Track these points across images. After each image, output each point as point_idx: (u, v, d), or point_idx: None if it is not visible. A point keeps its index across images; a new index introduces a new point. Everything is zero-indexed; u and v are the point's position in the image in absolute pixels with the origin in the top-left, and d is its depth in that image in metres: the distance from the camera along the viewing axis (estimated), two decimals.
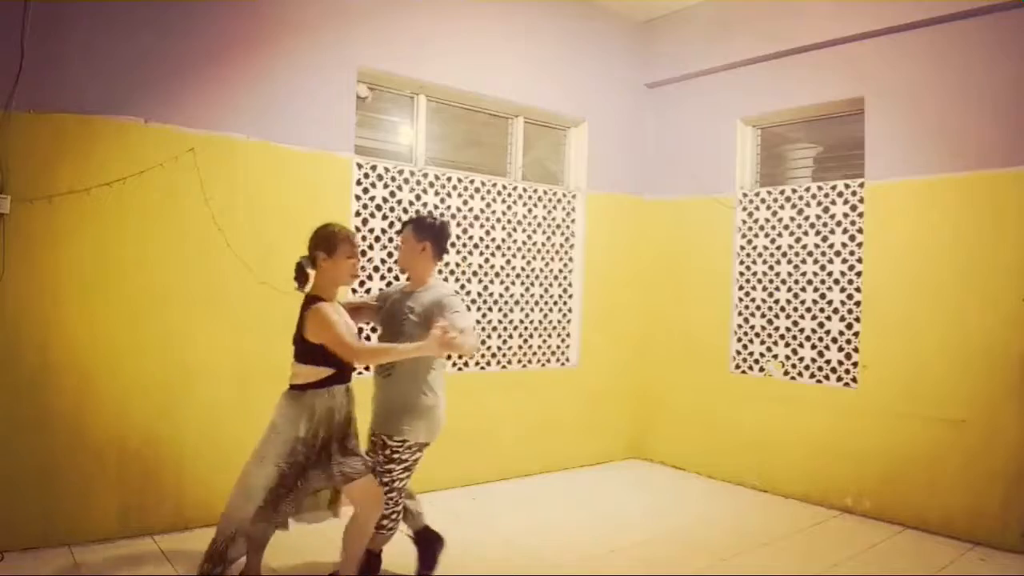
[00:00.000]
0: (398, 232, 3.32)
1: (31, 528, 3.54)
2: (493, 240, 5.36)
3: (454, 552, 3.86)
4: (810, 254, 5.15)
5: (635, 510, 4.77)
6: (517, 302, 5.50)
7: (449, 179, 5.11)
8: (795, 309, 5.22)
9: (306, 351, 2.96)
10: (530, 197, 5.58)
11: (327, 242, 3.02)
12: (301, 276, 3.04)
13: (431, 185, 5.02)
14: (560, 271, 5.79)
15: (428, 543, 3.48)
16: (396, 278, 4.86)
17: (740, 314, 5.56)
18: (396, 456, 3.15)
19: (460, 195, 5.17)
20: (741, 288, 5.57)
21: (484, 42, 5.21)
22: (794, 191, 5.27)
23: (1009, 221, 4.15)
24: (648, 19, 6.12)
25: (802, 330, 5.16)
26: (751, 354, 5.48)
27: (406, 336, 3.12)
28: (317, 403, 2.96)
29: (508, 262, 5.45)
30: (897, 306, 4.58)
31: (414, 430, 3.15)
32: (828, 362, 5.01)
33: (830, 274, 5.02)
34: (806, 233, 5.18)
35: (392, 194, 4.84)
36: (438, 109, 5.18)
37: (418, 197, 4.96)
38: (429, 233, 3.28)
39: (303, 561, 3.68)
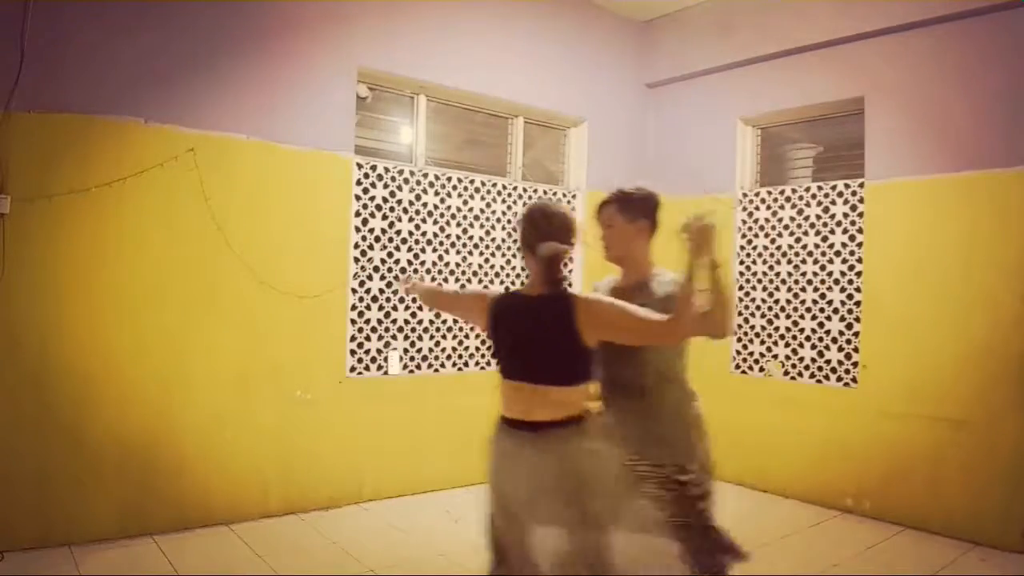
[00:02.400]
0: (599, 213, 2.66)
1: (31, 528, 3.54)
2: (493, 240, 5.36)
3: (454, 552, 3.86)
4: (810, 254, 5.15)
5: None
6: None
7: (449, 179, 5.11)
8: (795, 309, 5.22)
9: (585, 366, 2.25)
10: (530, 197, 5.57)
11: (575, 232, 2.39)
12: (558, 268, 2.26)
13: (431, 185, 5.02)
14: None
15: None
16: (395, 278, 4.86)
17: (740, 314, 5.56)
18: (707, 489, 2.53)
19: (460, 195, 5.17)
20: (741, 288, 5.56)
21: (484, 42, 5.21)
22: (794, 191, 5.26)
23: (1009, 221, 4.14)
24: (648, 19, 6.12)
25: (802, 330, 5.16)
26: (751, 354, 5.48)
27: (650, 349, 2.43)
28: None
29: (508, 262, 5.44)
30: (897, 306, 4.58)
31: (703, 448, 2.52)
32: (828, 362, 5.01)
33: (830, 274, 5.02)
34: (806, 233, 5.17)
35: (392, 194, 4.84)
36: (438, 109, 5.18)
37: (418, 197, 4.96)
38: (641, 209, 2.61)
39: (305, 559, 3.68)
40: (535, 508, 2.12)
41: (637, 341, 2.25)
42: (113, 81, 3.76)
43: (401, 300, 4.90)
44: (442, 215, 5.07)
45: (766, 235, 5.42)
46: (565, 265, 2.24)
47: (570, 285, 2.38)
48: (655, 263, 2.65)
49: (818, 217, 5.10)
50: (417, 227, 4.96)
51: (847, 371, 4.89)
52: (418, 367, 4.97)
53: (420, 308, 4.97)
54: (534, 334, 2.20)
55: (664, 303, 2.42)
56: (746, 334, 5.51)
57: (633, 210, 2.59)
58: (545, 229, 2.25)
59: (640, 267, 2.63)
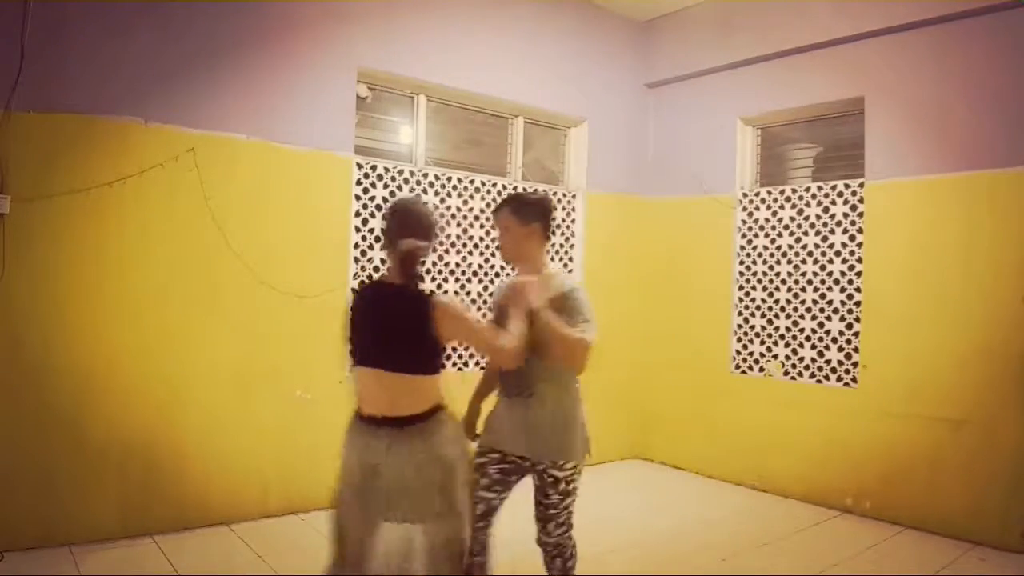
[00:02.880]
0: (495, 215, 2.76)
1: (31, 528, 3.54)
2: (493, 240, 5.36)
3: None
4: (810, 254, 5.15)
5: (635, 510, 4.77)
6: None
7: (449, 179, 5.11)
8: (795, 309, 5.22)
9: (435, 356, 2.33)
10: None
11: (436, 229, 2.47)
12: (415, 263, 2.38)
13: (431, 185, 5.02)
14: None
15: None
16: None
17: (740, 314, 5.56)
18: (572, 488, 2.66)
19: (460, 195, 5.17)
20: (741, 288, 5.56)
21: (484, 42, 5.21)
22: (794, 191, 5.26)
23: (1009, 221, 4.14)
24: (648, 19, 6.12)
25: (802, 330, 5.16)
26: (751, 354, 5.48)
27: (536, 344, 2.50)
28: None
29: (508, 262, 5.43)
30: (897, 306, 4.58)
31: (582, 450, 2.68)
32: (828, 362, 5.01)
33: (830, 274, 5.02)
34: (806, 233, 5.17)
35: (392, 194, 4.84)
36: (438, 109, 5.18)
37: (418, 197, 4.95)
38: (534, 212, 2.67)
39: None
40: (401, 502, 2.16)
41: (478, 352, 2.27)
42: (113, 81, 3.76)
43: None
44: (442, 215, 5.07)
45: (766, 235, 5.42)
46: (423, 262, 2.34)
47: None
48: (547, 264, 2.75)
49: (818, 217, 5.10)
50: None
51: (847, 371, 4.89)
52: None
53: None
54: (393, 323, 2.25)
55: (550, 305, 2.52)
56: (746, 334, 5.51)
57: (526, 213, 2.67)
58: (406, 225, 2.33)
59: (533, 268, 2.69)
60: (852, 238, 4.90)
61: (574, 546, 2.79)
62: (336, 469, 2.36)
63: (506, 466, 2.71)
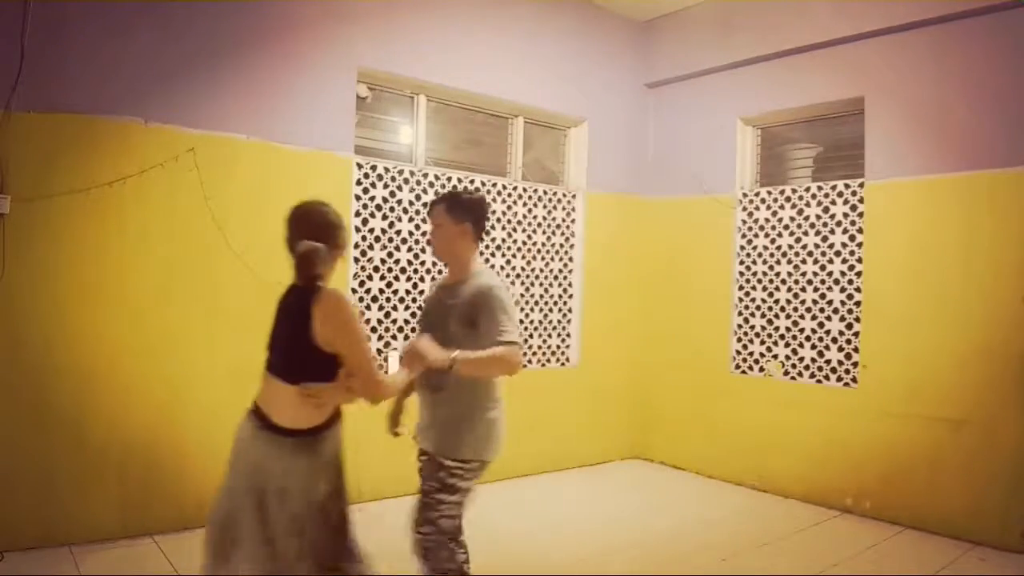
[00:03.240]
0: (428, 213, 2.78)
1: (31, 528, 3.54)
2: (493, 240, 5.36)
3: None
4: (810, 254, 5.15)
5: (635, 510, 4.77)
6: (517, 302, 5.49)
7: (449, 179, 5.11)
8: (795, 309, 5.22)
9: (317, 367, 2.14)
10: (530, 197, 5.57)
11: (338, 230, 2.35)
12: (312, 266, 2.23)
13: (431, 185, 5.02)
14: (560, 271, 5.79)
15: None
16: (396, 278, 4.87)
17: (740, 314, 5.56)
18: (451, 482, 2.59)
19: None
20: (741, 288, 5.56)
21: (484, 42, 5.21)
22: (794, 191, 5.26)
23: (1009, 221, 4.14)
24: (648, 19, 6.12)
25: (802, 330, 5.16)
26: (751, 354, 5.48)
27: (450, 341, 2.52)
28: (328, 450, 2.23)
29: (508, 262, 5.44)
30: (897, 306, 4.58)
31: (479, 448, 2.61)
32: (828, 362, 5.01)
33: (830, 274, 5.02)
34: (806, 233, 5.17)
35: (392, 194, 4.84)
36: (438, 109, 5.18)
37: (418, 197, 4.96)
38: (468, 212, 2.68)
39: None
40: (245, 502, 2.14)
41: (351, 371, 2.15)
42: (113, 81, 3.76)
43: (401, 300, 4.90)
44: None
45: (766, 235, 5.42)
46: (321, 263, 2.22)
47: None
48: (477, 265, 2.73)
49: (818, 217, 5.10)
50: (417, 227, 4.96)
51: (847, 371, 4.89)
52: None
53: (420, 308, 4.96)
54: (282, 325, 2.25)
55: (465, 308, 2.58)
56: (746, 334, 5.51)
57: (460, 211, 2.68)
58: (303, 228, 2.27)
59: (462, 267, 2.71)
60: (852, 238, 4.90)
61: (448, 558, 2.60)
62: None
63: (422, 466, 2.73)
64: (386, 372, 4.81)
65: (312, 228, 2.26)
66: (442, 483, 2.58)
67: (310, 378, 2.13)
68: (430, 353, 2.37)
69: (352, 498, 2.42)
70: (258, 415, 2.18)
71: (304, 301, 2.14)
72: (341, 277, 4.56)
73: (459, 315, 2.59)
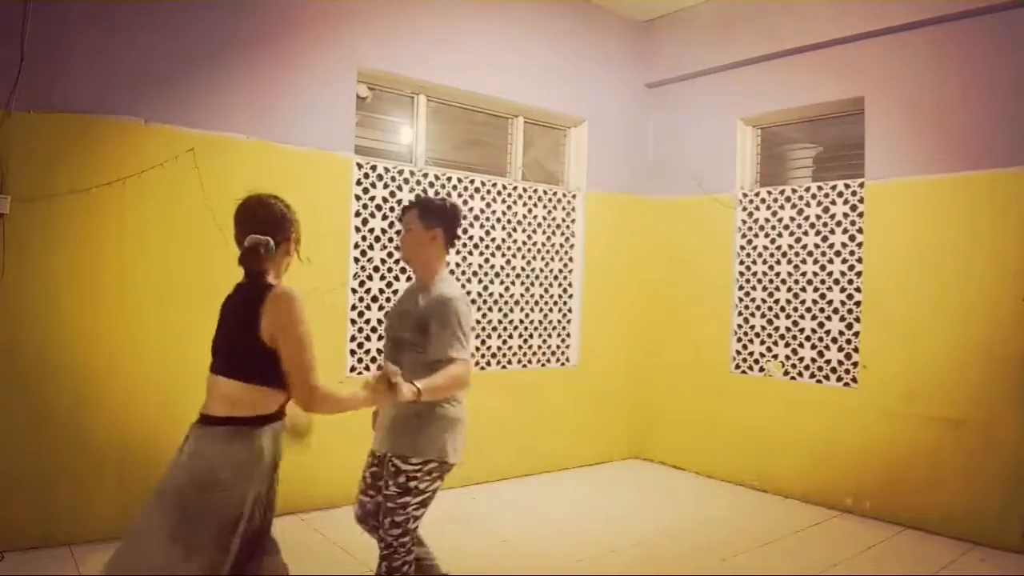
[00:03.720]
0: (399, 217, 2.78)
1: (31, 528, 3.54)
2: (493, 240, 5.36)
3: (454, 552, 3.86)
4: (810, 254, 5.15)
5: (635, 510, 4.77)
6: (517, 302, 5.50)
7: (449, 179, 5.11)
8: (795, 309, 5.22)
9: (261, 362, 2.07)
10: (530, 197, 5.57)
11: (286, 223, 2.28)
12: (257, 261, 2.20)
13: (431, 185, 5.02)
14: (560, 271, 5.79)
15: None
16: (396, 278, 4.87)
17: (740, 314, 5.56)
18: (413, 485, 2.54)
19: (460, 195, 5.17)
20: (741, 288, 5.56)
21: (484, 42, 5.21)
22: (794, 191, 5.26)
23: (1009, 221, 4.14)
24: (648, 19, 6.12)
25: (802, 330, 5.16)
26: (751, 354, 5.48)
27: (403, 342, 2.61)
28: (267, 446, 2.10)
29: (508, 262, 5.44)
30: (897, 306, 4.58)
31: (437, 447, 2.56)
32: (828, 362, 5.01)
33: (830, 274, 5.02)
34: (806, 233, 5.17)
35: (392, 194, 4.84)
36: (438, 109, 5.18)
37: (418, 197, 4.95)
38: (439, 218, 2.69)
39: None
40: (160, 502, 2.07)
41: (289, 373, 2.09)
42: (113, 81, 3.76)
43: None
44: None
45: (766, 235, 5.42)
46: (267, 258, 2.18)
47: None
48: (443, 273, 2.74)
49: (818, 217, 5.10)
50: None
51: (847, 371, 4.89)
52: None
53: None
54: (228, 321, 2.19)
55: (420, 315, 2.57)
56: (746, 334, 5.51)
57: (431, 218, 2.69)
58: (250, 222, 2.22)
59: (428, 272, 2.71)
60: (852, 238, 4.90)
61: (407, 559, 2.60)
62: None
63: (376, 469, 2.73)
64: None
65: (258, 222, 2.20)
66: (404, 488, 2.54)
67: (256, 376, 2.07)
68: (401, 394, 2.28)
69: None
70: (201, 419, 2.13)
71: (253, 297, 2.10)
72: (341, 277, 4.56)
73: (414, 321, 2.59)
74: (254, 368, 2.08)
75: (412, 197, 4.92)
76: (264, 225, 2.19)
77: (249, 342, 2.07)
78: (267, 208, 2.24)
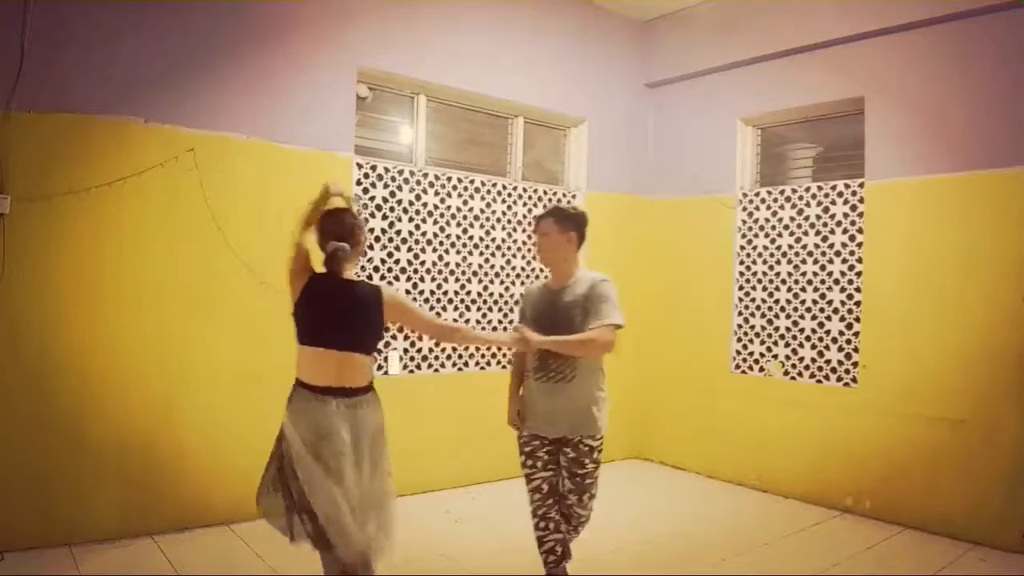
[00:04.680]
0: (534, 226, 3.29)
1: (31, 528, 3.54)
2: (493, 240, 5.36)
3: (454, 552, 3.86)
4: (810, 254, 5.15)
5: (635, 510, 4.77)
6: (517, 302, 5.49)
7: (449, 179, 5.11)
8: (795, 309, 5.22)
9: (379, 339, 2.82)
10: (530, 197, 5.57)
11: (359, 231, 2.83)
12: (340, 262, 2.75)
13: (431, 185, 5.02)
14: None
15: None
16: (396, 278, 4.87)
17: (740, 314, 5.56)
18: (599, 457, 3.15)
19: (460, 195, 5.17)
20: (741, 288, 5.56)
21: (484, 42, 5.21)
22: (794, 191, 5.26)
23: (1009, 221, 4.14)
24: (648, 19, 6.12)
25: (802, 330, 5.16)
26: (751, 354, 5.48)
27: (575, 331, 3.04)
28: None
29: (508, 262, 5.44)
30: (897, 306, 4.58)
31: (606, 424, 3.18)
32: (828, 362, 5.01)
33: (830, 274, 5.02)
34: (806, 233, 5.17)
35: (392, 194, 4.84)
36: (438, 109, 5.18)
37: (418, 197, 4.96)
38: (572, 223, 3.19)
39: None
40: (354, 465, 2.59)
41: (424, 332, 3.05)
42: (113, 81, 3.76)
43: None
44: (442, 215, 5.07)
45: (766, 235, 5.42)
46: (346, 260, 2.73)
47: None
48: (580, 267, 3.23)
49: (818, 217, 5.10)
50: (417, 227, 4.96)
51: (847, 371, 4.89)
52: (418, 367, 4.97)
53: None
54: (349, 309, 2.68)
55: (575, 304, 3.07)
56: (746, 334, 5.51)
57: (566, 223, 3.18)
58: (334, 231, 2.75)
59: (568, 271, 3.19)
60: (852, 238, 4.90)
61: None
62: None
63: (551, 447, 3.14)
64: (385, 372, 4.83)
65: (341, 231, 2.74)
66: (597, 462, 3.13)
67: (376, 350, 2.86)
68: (534, 342, 2.96)
69: None
70: (346, 391, 2.63)
71: (369, 293, 2.74)
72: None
73: (581, 310, 3.05)
74: (376, 344, 2.79)
75: (412, 197, 4.93)
76: (344, 233, 2.74)
77: (377, 325, 2.74)
78: (351, 219, 2.80)
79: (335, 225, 2.75)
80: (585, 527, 3.25)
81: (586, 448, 3.08)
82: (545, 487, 3.14)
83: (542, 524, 3.14)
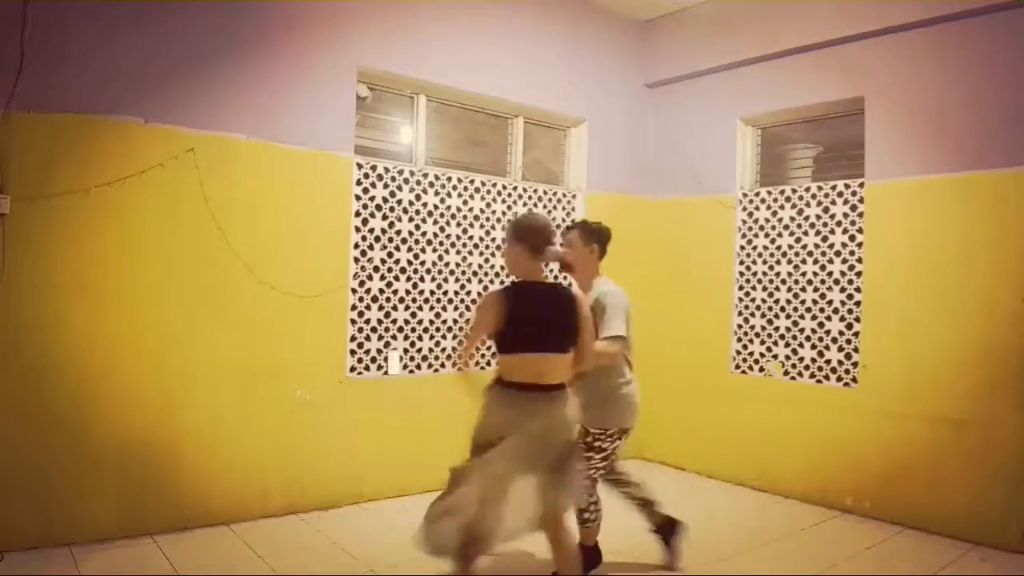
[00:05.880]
0: (564, 235, 3.67)
1: (31, 528, 3.54)
2: (493, 240, 5.36)
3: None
4: (810, 254, 5.15)
5: (635, 510, 4.75)
6: None
7: (449, 179, 5.11)
8: (795, 309, 5.22)
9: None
10: (530, 197, 5.58)
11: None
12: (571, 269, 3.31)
13: (431, 185, 5.02)
14: (560, 271, 5.77)
15: (670, 533, 3.74)
16: (396, 278, 4.87)
17: (740, 314, 5.56)
18: (597, 444, 3.36)
19: (460, 195, 5.17)
20: (741, 288, 5.56)
21: (484, 42, 5.21)
22: (794, 191, 5.26)
23: (1009, 221, 4.14)
24: (648, 19, 6.12)
25: (802, 330, 5.16)
26: (751, 354, 5.48)
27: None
28: None
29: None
30: (897, 306, 4.58)
31: (614, 418, 3.38)
32: (828, 362, 5.01)
33: (830, 274, 5.02)
34: (806, 233, 5.17)
35: (392, 194, 4.84)
36: (438, 109, 5.18)
37: (418, 197, 4.96)
38: (595, 237, 3.57)
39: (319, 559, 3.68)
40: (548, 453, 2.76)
41: (584, 342, 2.96)
42: (113, 81, 3.76)
43: (401, 300, 4.90)
44: (442, 215, 5.07)
45: (766, 235, 5.42)
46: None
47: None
48: (599, 277, 3.57)
49: (818, 217, 5.10)
50: (417, 227, 4.96)
51: (847, 371, 4.89)
52: (418, 367, 4.97)
53: (420, 308, 4.98)
54: (556, 315, 2.88)
55: (595, 313, 3.24)
56: (746, 334, 5.51)
57: (590, 236, 3.57)
58: (550, 237, 2.94)
59: (589, 280, 3.54)
60: (852, 238, 4.90)
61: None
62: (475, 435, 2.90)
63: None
64: (385, 372, 4.83)
65: (552, 236, 2.95)
66: (589, 446, 3.35)
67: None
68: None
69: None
70: (556, 387, 2.83)
71: (567, 296, 2.94)
72: (341, 277, 4.56)
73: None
74: (572, 343, 2.93)
75: (412, 197, 4.93)
76: (552, 239, 2.96)
77: (574, 326, 2.90)
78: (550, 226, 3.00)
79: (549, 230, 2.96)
80: (591, 520, 3.61)
81: (582, 432, 3.32)
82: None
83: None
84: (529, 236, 2.89)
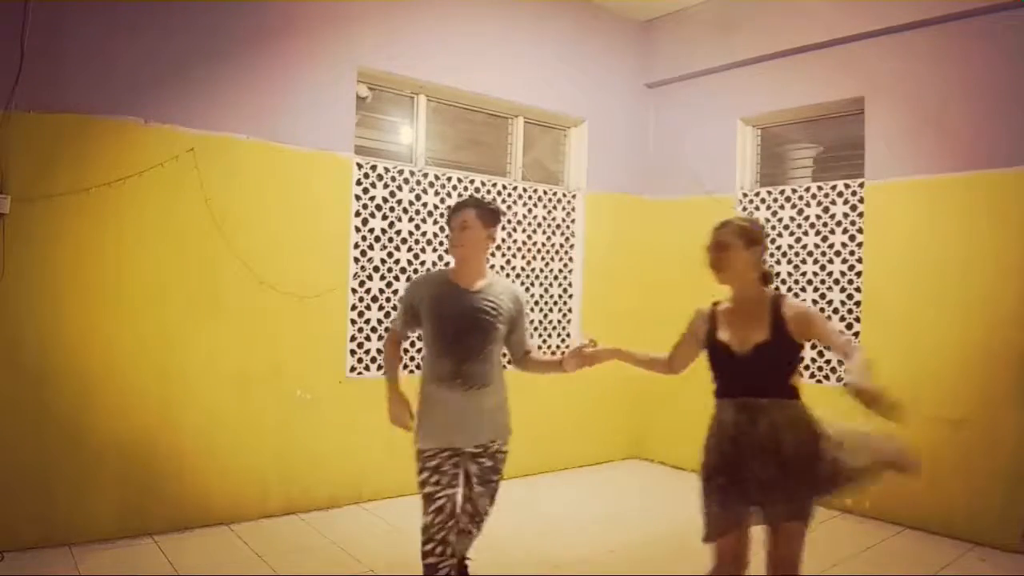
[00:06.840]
0: (453, 212, 2.95)
1: (31, 528, 3.54)
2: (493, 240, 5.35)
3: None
4: (810, 254, 5.15)
5: (635, 510, 4.76)
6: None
7: (449, 179, 5.11)
8: None
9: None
10: (530, 197, 5.58)
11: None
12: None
13: (431, 185, 5.02)
14: (560, 271, 5.79)
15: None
16: (396, 278, 4.87)
17: None
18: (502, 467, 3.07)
19: (460, 195, 5.17)
20: None
21: (484, 42, 5.21)
22: (794, 191, 5.26)
23: (1009, 221, 4.14)
24: (648, 19, 6.12)
25: None
26: None
27: (495, 339, 2.91)
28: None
29: (508, 262, 5.44)
30: (897, 306, 4.57)
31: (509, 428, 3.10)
32: (828, 362, 5.01)
33: (830, 274, 5.02)
34: (806, 233, 5.17)
35: (392, 194, 4.84)
36: (438, 109, 5.18)
37: (418, 197, 4.96)
38: (495, 221, 2.95)
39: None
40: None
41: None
42: (113, 81, 3.76)
43: (401, 300, 4.89)
44: (442, 215, 5.07)
45: (766, 235, 5.41)
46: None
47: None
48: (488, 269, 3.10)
49: (818, 217, 5.10)
50: (417, 227, 4.96)
51: (847, 371, 4.88)
52: (418, 367, 4.97)
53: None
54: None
55: (498, 312, 2.95)
56: None
57: (490, 219, 2.95)
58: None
59: (480, 271, 3.01)
60: (852, 238, 4.90)
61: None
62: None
63: (457, 459, 2.89)
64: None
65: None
66: (501, 471, 3.01)
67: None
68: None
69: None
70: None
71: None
72: (341, 277, 4.56)
73: (507, 319, 2.95)
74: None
75: (412, 197, 4.93)
76: None
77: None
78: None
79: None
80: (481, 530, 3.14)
81: (501, 455, 3.00)
82: (448, 507, 2.81)
83: (439, 549, 2.80)
84: (764, 240, 2.87)
